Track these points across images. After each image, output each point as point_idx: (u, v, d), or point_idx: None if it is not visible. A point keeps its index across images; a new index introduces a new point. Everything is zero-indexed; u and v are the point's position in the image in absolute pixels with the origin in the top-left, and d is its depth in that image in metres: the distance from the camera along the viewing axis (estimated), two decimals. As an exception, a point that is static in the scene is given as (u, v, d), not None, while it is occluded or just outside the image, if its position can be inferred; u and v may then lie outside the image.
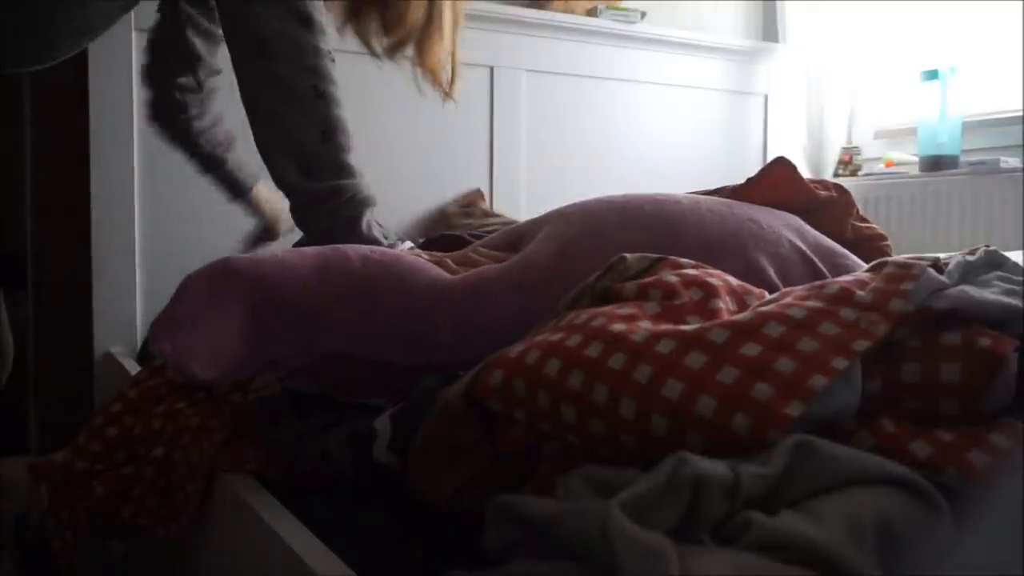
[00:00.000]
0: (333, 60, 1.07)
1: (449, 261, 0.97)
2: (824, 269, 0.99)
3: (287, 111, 1.04)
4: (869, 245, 1.15)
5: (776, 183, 1.12)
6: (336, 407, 0.85)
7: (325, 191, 1.05)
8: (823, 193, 1.14)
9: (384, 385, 0.86)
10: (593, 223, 0.97)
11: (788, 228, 1.02)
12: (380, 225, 1.15)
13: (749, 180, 1.14)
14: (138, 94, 1.69)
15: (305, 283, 0.83)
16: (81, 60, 1.66)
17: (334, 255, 0.88)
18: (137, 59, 1.68)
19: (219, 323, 0.79)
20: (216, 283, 0.82)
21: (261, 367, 0.82)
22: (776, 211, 1.06)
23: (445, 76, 1.31)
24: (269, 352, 0.81)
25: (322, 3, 1.07)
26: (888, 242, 1.18)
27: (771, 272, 0.95)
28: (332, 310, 0.83)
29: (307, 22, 1.04)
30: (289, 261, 0.85)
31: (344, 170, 1.07)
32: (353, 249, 0.90)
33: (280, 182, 1.08)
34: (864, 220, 1.18)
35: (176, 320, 0.80)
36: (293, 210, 1.09)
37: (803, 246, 1.00)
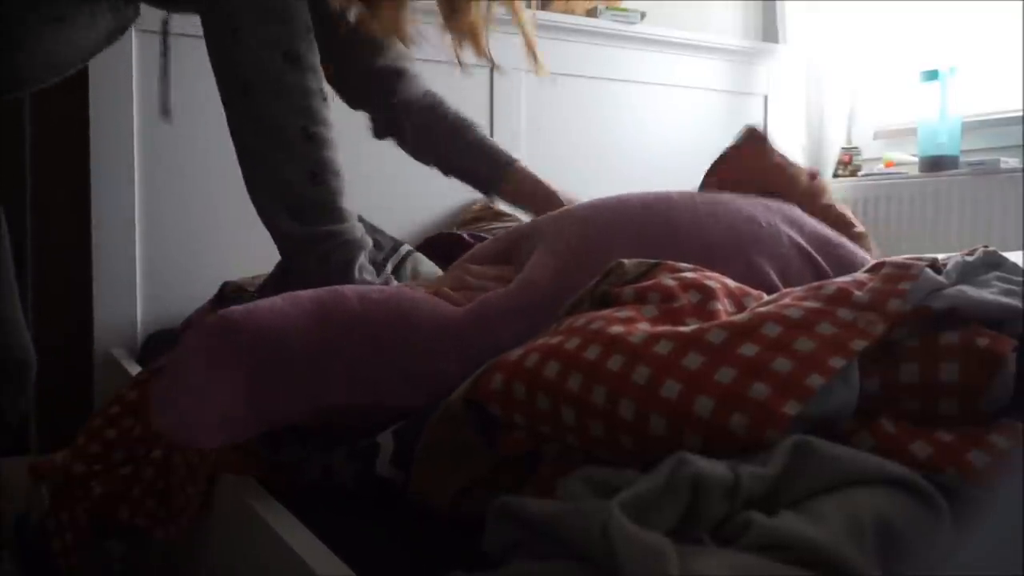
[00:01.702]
0: (325, 99, 1.03)
1: (447, 289, 0.95)
2: (823, 262, 0.99)
3: (275, 153, 1.00)
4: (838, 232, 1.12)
5: (749, 156, 1.10)
6: (335, 431, 0.84)
7: (316, 236, 1.02)
8: (791, 169, 1.12)
9: (383, 421, 0.86)
10: (591, 235, 0.95)
11: (785, 221, 1.01)
12: (374, 238, 1.12)
13: (722, 156, 1.13)
14: (138, 94, 1.70)
15: (304, 333, 0.81)
16: (81, 61, 1.66)
17: (331, 298, 0.85)
18: (137, 59, 1.69)
19: (219, 388, 0.77)
20: (214, 344, 0.79)
21: (265, 426, 0.80)
22: (771, 204, 1.04)
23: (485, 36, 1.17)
24: (273, 412, 0.79)
25: (313, 40, 1.03)
26: (859, 229, 1.14)
27: (772, 275, 0.94)
28: (334, 359, 0.81)
29: (295, 61, 0.99)
30: (287, 311, 0.82)
31: (335, 214, 1.03)
32: (351, 289, 0.88)
33: (268, 224, 1.04)
34: (834, 206, 1.14)
35: (176, 390, 0.78)
36: (281, 253, 1.06)
37: (801, 240, 0.99)
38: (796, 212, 1.05)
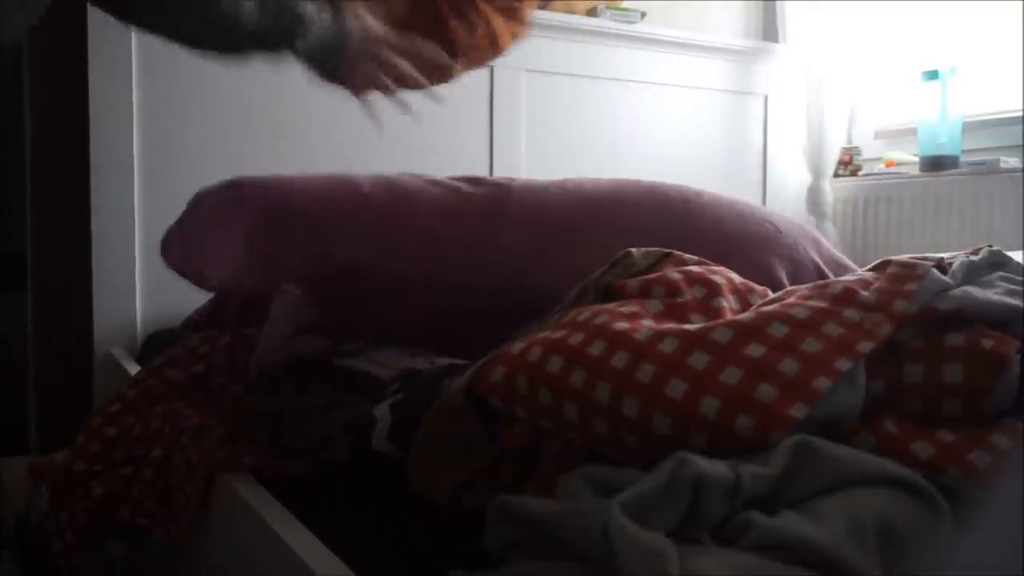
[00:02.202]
0: None
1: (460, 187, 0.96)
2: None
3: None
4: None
5: None
6: (336, 384, 0.85)
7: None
8: None
9: (394, 321, 0.88)
10: (619, 196, 0.98)
11: (805, 238, 1.04)
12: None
13: None
14: (138, 94, 1.70)
15: (315, 198, 0.85)
16: (81, 60, 1.66)
17: (342, 177, 0.90)
18: (137, 59, 1.68)
19: (230, 232, 0.81)
20: (226, 196, 0.84)
21: (272, 277, 0.83)
22: (795, 222, 1.08)
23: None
24: (279, 261, 0.82)
25: None
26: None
27: (783, 277, 0.97)
28: (341, 224, 0.85)
29: None
30: (299, 179, 0.87)
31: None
32: (362, 175, 0.92)
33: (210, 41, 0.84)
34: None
35: (187, 231, 0.82)
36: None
37: (817, 258, 1.02)
38: (815, 233, 1.08)
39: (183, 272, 0.79)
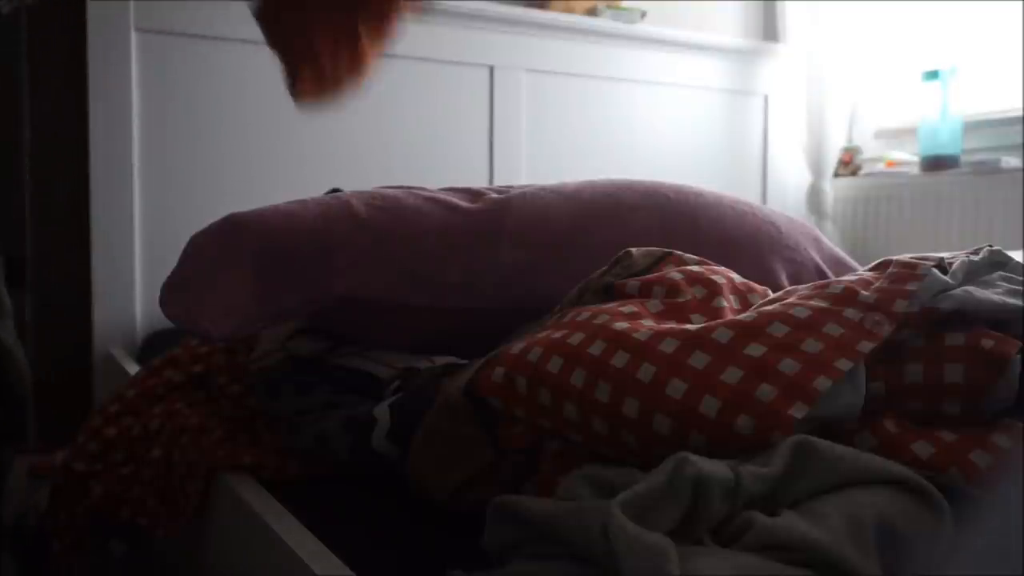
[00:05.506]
0: None
1: (455, 200, 0.95)
2: None
3: None
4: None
5: None
6: (335, 385, 0.85)
7: None
8: None
9: (394, 330, 0.87)
10: (616, 200, 0.97)
11: (806, 237, 1.04)
12: None
13: None
14: (138, 94, 1.70)
15: (310, 230, 0.84)
16: (80, 59, 1.66)
17: (337, 203, 0.88)
18: (137, 59, 1.68)
19: (226, 280, 0.80)
20: (221, 240, 0.83)
21: (273, 318, 0.82)
22: (796, 220, 1.08)
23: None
24: (279, 302, 0.82)
25: None
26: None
27: (783, 278, 0.96)
28: (338, 255, 0.84)
29: None
30: (293, 211, 0.86)
31: None
32: (356, 196, 0.91)
33: None
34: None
35: (185, 282, 0.81)
36: None
37: (818, 258, 1.02)
38: (816, 231, 1.08)
39: (187, 328, 0.79)
